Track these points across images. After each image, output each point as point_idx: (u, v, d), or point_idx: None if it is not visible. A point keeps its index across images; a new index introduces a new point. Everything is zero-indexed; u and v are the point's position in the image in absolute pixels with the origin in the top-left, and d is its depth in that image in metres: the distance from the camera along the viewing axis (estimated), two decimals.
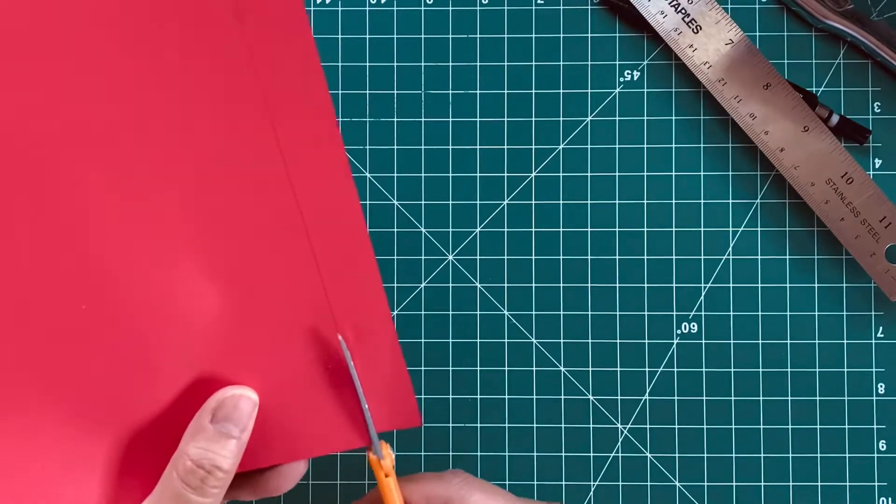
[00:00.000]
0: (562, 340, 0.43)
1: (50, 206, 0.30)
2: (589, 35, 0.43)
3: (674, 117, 0.43)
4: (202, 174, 0.30)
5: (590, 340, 0.43)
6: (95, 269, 0.30)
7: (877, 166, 0.43)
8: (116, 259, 0.30)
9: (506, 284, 0.43)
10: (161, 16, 0.29)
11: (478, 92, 0.43)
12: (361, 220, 0.31)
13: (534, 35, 0.43)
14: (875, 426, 0.42)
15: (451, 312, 0.43)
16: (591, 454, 0.43)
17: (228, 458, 0.29)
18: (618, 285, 0.43)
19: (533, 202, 0.43)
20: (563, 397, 0.43)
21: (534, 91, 0.43)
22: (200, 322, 0.31)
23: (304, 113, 0.30)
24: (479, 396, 0.43)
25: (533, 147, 0.43)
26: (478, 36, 0.43)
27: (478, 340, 0.43)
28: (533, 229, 0.43)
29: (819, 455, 0.42)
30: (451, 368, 0.43)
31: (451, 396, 0.43)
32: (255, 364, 0.31)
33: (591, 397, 0.43)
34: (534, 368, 0.43)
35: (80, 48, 0.29)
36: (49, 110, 0.29)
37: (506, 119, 0.43)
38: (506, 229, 0.43)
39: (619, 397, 0.43)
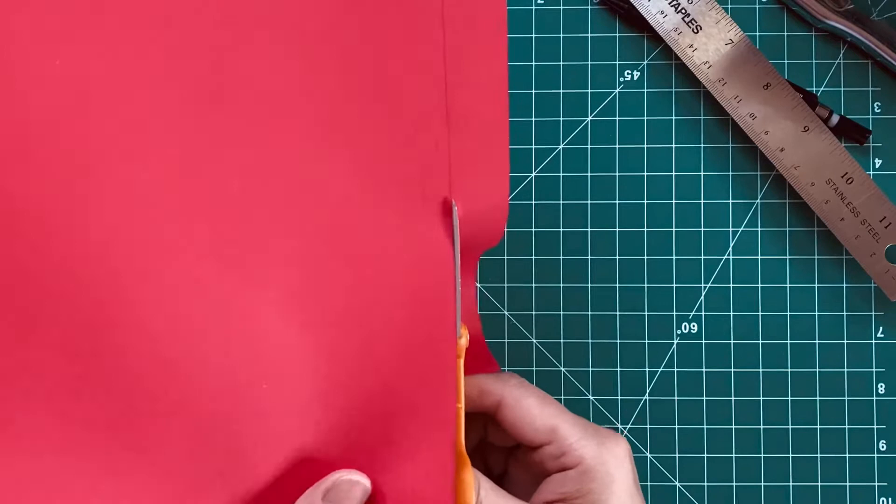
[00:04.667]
0: (562, 340, 0.43)
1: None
2: (589, 35, 0.43)
3: (674, 117, 0.43)
4: None
5: (590, 340, 0.43)
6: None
7: (877, 166, 0.43)
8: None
9: (506, 284, 0.43)
10: None
11: None
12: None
13: (534, 35, 0.43)
14: (875, 426, 0.42)
15: None
16: None
17: None
18: (618, 285, 0.43)
19: (533, 202, 0.43)
20: (563, 397, 0.43)
21: (534, 91, 0.43)
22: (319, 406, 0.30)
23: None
24: None
25: (533, 147, 0.43)
26: None
27: None
28: (533, 229, 0.43)
29: (819, 455, 0.42)
30: None
31: None
32: (367, 463, 0.31)
33: (591, 397, 0.43)
34: (534, 368, 0.43)
35: None
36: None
37: None
38: (506, 229, 0.43)
39: (619, 397, 0.43)
